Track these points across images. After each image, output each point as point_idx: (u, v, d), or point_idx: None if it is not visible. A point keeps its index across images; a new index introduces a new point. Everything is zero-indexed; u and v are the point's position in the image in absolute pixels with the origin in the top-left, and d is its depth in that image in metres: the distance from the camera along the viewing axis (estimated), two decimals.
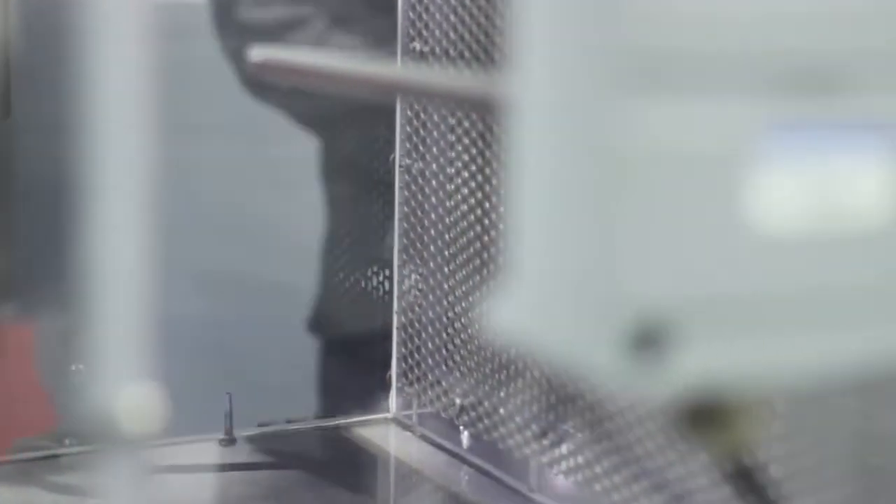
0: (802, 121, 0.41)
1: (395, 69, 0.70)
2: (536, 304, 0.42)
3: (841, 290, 0.42)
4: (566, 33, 0.40)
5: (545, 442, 1.00)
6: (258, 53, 0.82)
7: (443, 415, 1.16)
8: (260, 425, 1.23)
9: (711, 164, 0.40)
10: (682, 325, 0.40)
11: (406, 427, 1.22)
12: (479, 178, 1.09)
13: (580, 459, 0.96)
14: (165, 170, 0.45)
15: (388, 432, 1.23)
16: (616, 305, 0.40)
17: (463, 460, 1.13)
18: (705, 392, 0.44)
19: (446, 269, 1.14)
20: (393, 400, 1.24)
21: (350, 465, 1.19)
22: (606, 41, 0.39)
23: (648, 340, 0.40)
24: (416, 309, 1.20)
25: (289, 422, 1.24)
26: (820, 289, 0.41)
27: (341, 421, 1.24)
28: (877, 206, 0.42)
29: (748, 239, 0.40)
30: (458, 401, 1.12)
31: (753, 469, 0.49)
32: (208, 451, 1.19)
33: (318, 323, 1.24)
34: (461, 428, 1.13)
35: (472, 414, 1.11)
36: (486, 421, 1.09)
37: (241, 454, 1.19)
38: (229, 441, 1.20)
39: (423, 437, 1.20)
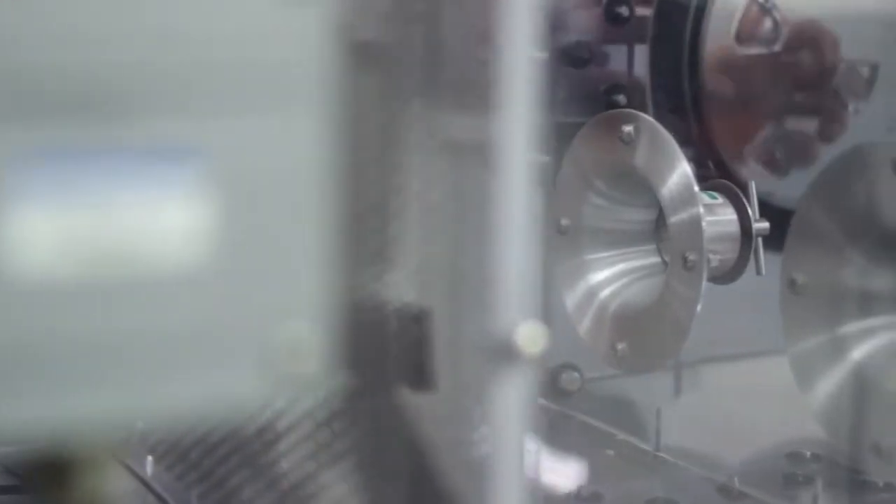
0: (72, 150, 0.35)
1: None
2: None
3: (132, 338, 0.37)
4: None
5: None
6: None
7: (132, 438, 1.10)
8: None
9: None
10: None
11: None
12: None
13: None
14: None
15: None
16: None
17: (149, 488, 1.08)
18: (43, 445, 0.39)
19: None
20: None
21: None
22: None
23: None
24: None
25: None
26: (102, 337, 0.36)
27: None
28: (172, 243, 0.37)
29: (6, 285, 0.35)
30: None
31: None
32: None
33: None
34: (146, 453, 1.08)
35: (155, 437, 1.05)
36: (164, 445, 1.04)
37: None
38: None
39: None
